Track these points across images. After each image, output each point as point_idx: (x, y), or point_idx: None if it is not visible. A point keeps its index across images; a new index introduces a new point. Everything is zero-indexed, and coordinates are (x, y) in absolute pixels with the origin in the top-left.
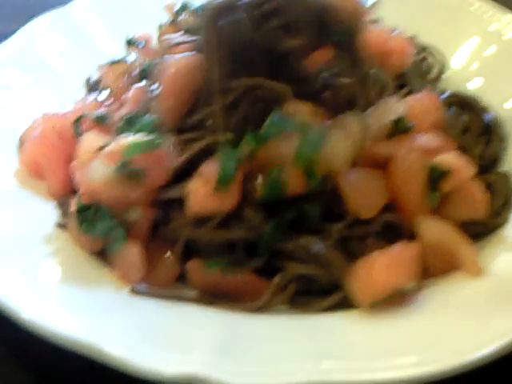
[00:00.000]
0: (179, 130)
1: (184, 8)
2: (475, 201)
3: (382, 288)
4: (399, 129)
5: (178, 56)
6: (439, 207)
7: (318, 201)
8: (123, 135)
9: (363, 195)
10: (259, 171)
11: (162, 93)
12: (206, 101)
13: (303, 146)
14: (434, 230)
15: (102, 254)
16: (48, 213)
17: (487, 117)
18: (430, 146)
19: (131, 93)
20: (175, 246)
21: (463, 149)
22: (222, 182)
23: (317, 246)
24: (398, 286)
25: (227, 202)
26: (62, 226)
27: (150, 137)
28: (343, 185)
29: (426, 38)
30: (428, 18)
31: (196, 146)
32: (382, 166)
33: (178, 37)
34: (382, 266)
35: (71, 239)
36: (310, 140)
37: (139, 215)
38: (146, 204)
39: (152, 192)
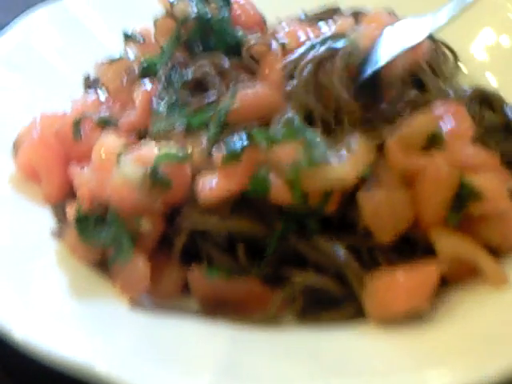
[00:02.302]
0: None
1: None
2: (509, 229)
3: (399, 309)
4: (433, 144)
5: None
6: (466, 224)
7: (316, 216)
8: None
9: (383, 219)
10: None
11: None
12: None
13: (301, 159)
14: (452, 246)
15: (101, 265)
16: (44, 219)
17: (507, 113)
18: (467, 161)
19: (138, 95)
20: (174, 246)
21: (486, 147)
22: (228, 158)
23: (336, 249)
24: (415, 307)
25: (234, 182)
26: (57, 233)
27: (182, 149)
28: (363, 203)
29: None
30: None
31: None
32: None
33: None
34: (401, 287)
35: (68, 248)
36: (309, 155)
37: (151, 226)
38: (160, 215)
39: (170, 205)
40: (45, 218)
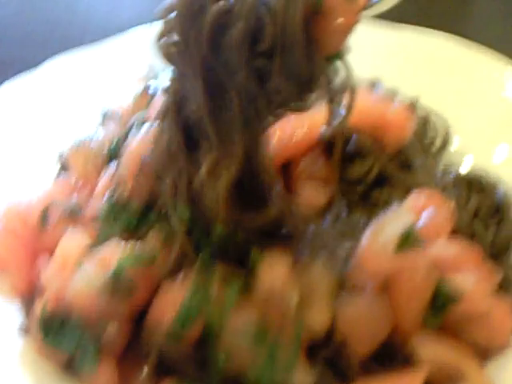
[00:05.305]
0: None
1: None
2: (494, 329)
3: None
4: (408, 243)
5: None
6: (450, 325)
7: None
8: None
9: (359, 329)
10: None
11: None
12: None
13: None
14: (433, 353)
15: (68, 366)
16: (12, 314)
17: (498, 195)
18: (444, 259)
19: (102, 182)
20: (148, 360)
21: (473, 236)
22: (179, 323)
23: None
24: None
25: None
26: (25, 330)
27: (147, 251)
28: (337, 313)
29: (428, 101)
30: (432, 77)
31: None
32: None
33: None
34: None
35: (34, 347)
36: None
37: (116, 332)
38: (126, 320)
39: (136, 310)
40: (12, 312)
